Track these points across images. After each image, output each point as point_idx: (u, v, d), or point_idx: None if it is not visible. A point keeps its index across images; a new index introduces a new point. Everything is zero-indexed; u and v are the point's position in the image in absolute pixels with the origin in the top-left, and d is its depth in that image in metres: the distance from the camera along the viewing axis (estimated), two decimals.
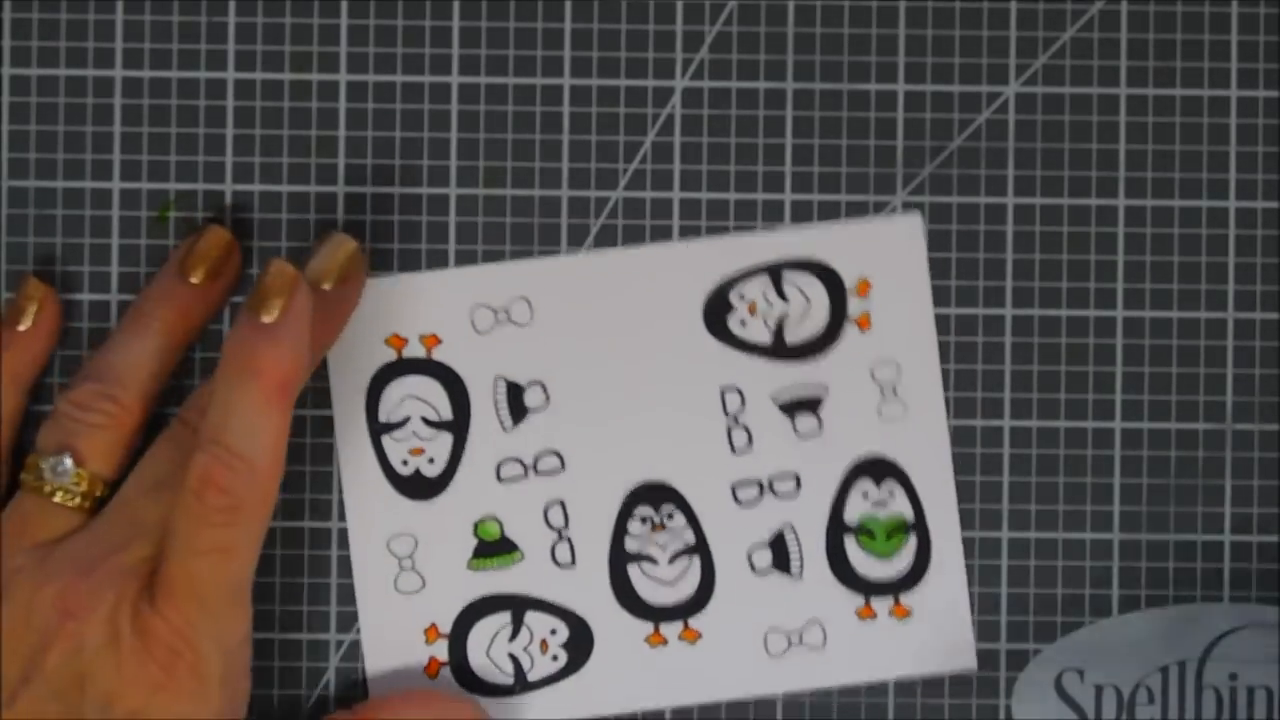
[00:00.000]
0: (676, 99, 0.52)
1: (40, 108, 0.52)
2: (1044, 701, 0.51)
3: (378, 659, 0.51)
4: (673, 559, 0.51)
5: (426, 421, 0.51)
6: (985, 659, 0.52)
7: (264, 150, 0.52)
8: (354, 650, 0.52)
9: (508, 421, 0.51)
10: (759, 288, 0.52)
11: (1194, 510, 0.52)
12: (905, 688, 0.52)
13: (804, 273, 0.52)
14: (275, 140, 0.52)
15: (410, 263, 0.52)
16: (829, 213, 0.52)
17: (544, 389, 0.51)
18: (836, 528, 0.52)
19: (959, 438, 0.52)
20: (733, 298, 0.52)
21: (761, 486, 0.52)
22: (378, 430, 0.51)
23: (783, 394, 0.52)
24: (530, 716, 0.51)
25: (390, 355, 0.51)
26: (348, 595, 0.52)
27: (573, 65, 0.52)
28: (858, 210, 0.52)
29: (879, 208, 0.52)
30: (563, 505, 0.51)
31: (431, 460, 0.51)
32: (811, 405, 0.51)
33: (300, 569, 0.52)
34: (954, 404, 0.52)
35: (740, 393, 0.51)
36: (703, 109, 0.52)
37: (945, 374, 0.52)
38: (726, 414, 0.51)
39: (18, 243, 0.52)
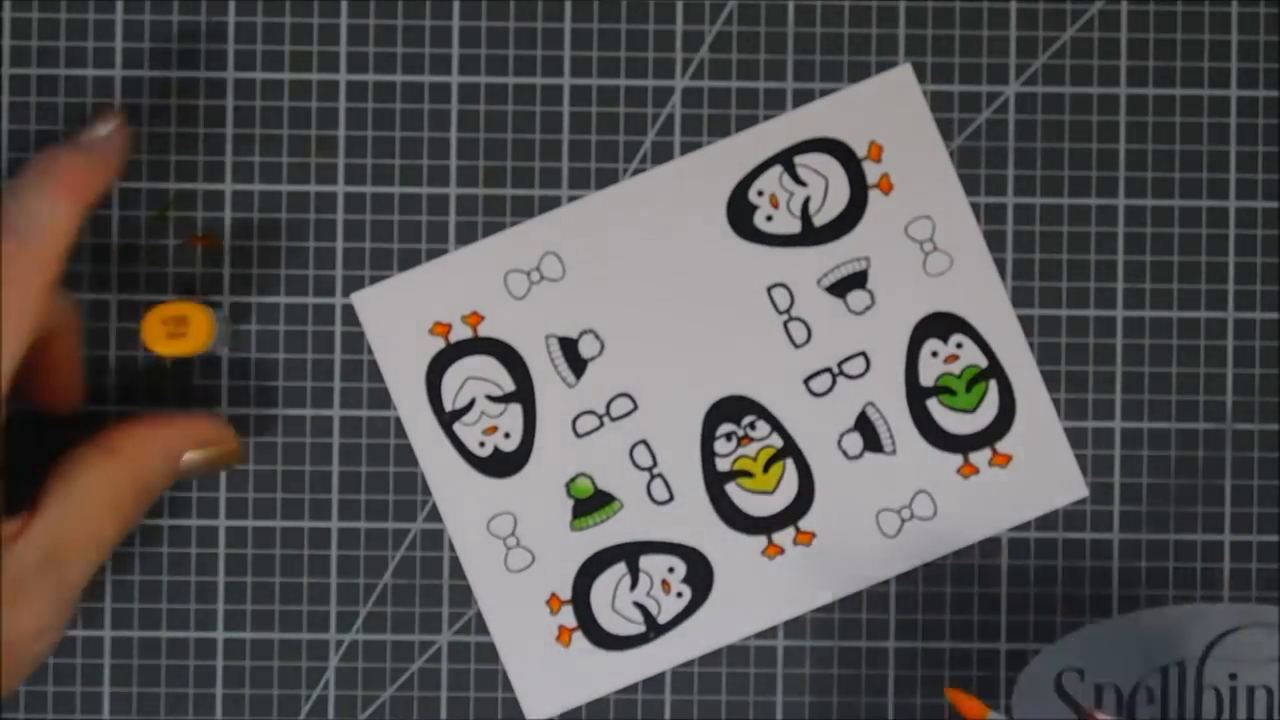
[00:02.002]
0: (676, 99, 0.52)
1: (40, 108, 0.52)
2: (1044, 701, 0.51)
3: (509, 643, 0.52)
4: (766, 467, 0.52)
5: (491, 399, 0.51)
6: (985, 659, 0.52)
7: (264, 150, 0.52)
8: (353, 650, 0.52)
9: (570, 377, 0.51)
10: (774, 179, 0.52)
11: (1194, 510, 0.52)
12: (905, 684, 0.52)
13: (814, 153, 0.52)
14: (275, 140, 0.52)
15: (410, 261, 0.52)
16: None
17: (596, 336, 0.51)
18: (916, 393, 0.52)
19: None
20: (752, 196, 0.51)
21: (833, 373, 0.52)
22: (446, 420, 0.51)
23: (827, 277, 0.52)
24: (670, 658, 0.52)
25: (438, 344, 0.52)
26: (348, 595, 0.52)
27: (573, 65, 0.52)
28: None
29: None
30: (646, 444, 0.51)
31: (507, 435, 0.51)
32: (858, 280, 0.51)
33: (300, 569, 0.52)
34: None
35: (786, 287, 0.51)
36: (703, 109, 0.52)
37: None
38: (779, 311, 0.51)
39: None
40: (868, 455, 0.51)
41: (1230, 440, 0.52)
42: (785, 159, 0.52)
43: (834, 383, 0.51)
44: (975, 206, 0.52)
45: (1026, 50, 0.52)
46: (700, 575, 0.52)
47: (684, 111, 0.52)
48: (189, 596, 0.52)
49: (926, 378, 0.51)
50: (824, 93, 0.52)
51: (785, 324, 0.51)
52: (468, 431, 0.52)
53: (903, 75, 0.51)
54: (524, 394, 0.52)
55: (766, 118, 0.52)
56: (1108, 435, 0.52)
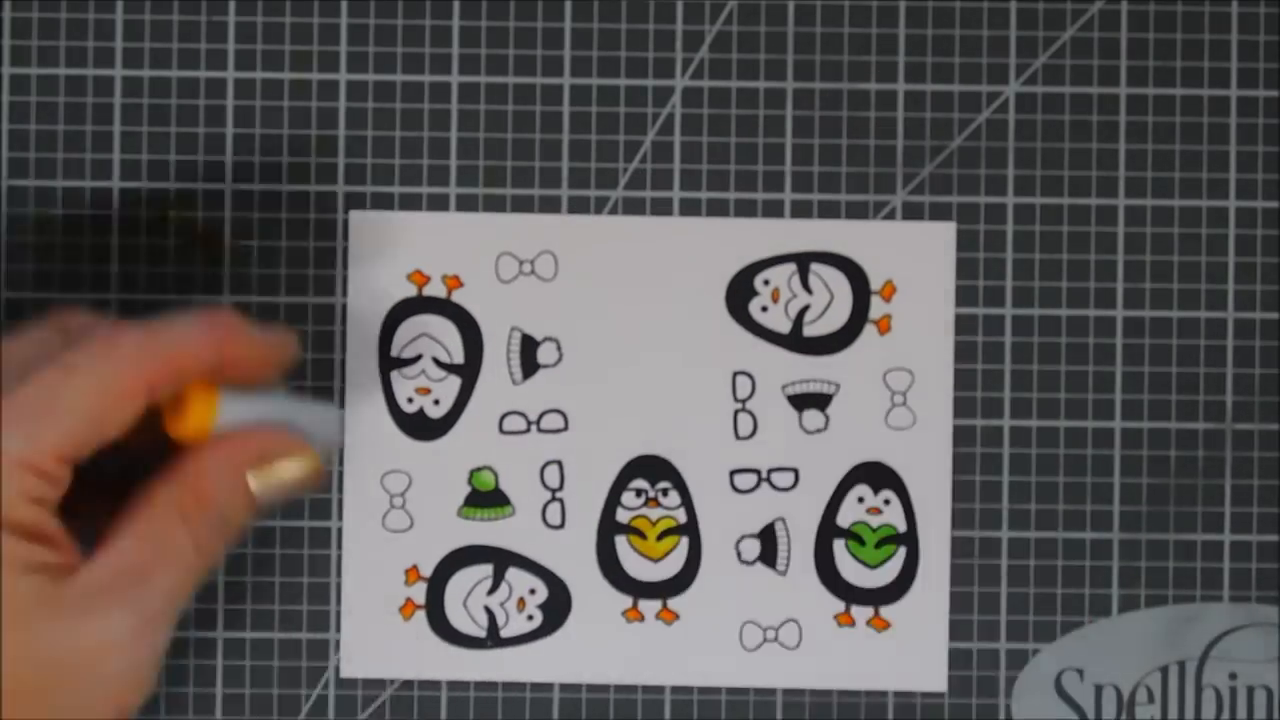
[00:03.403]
0: (676, 98, 0.52)
1: (40, 107, 0.52)
2: (1044, 701, 0.51)
3: (354, 595, 0.51)
4: (660, 536, 0.51)
5: (437, 362, 0.51)
6: (985, 659, 0.52)
7: (264, 150, 0.52)
8: None
9: (518, 374, 0.51)
10: (785, 275, 0.52)
11: (1194, 510, 0.52)
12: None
13: (832, 267, 0.52)
14: (275, 140, 0.52)
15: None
16: (829, 212, 0.52)
17: (558, 346, 0.51)
18: (828, 529, 0.52)
19: (959, 437, 0.52)
20: (757, 283, 0.51)
21: (760, 476, 0.52)
22: (388, 365, 0.51)
23: (792, 386, 0.52)
24: (498, 672, 0.51)
25: (410, 290, 0.51)
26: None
27: (573, 65, 0.52)
28: (858, 211, 0.52)
29: (879, 208, 0.52)
30: (560, 466, 0.51)
31: (437, 402, 0.51)
32: (820, 402, 0.51)
33: (300, 569, 0.52)
34: (954, 403, 0.52)
35: (752, 379, 0.51)
36: (703, 108, 0.52)
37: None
38: (735, 398, 0.51)
39: (18, 242, 0.52)
40: (759, 565, 0.51)
41: (1230, 440, 0.52)
42: (803, 260, 0.52)
43: (757, 486, 0.51)
44: (975, 206, 0.52)
45: (1026, 50, 0.52)
46: (557, 607, 0.51)
47: (684, 111, 0.52)
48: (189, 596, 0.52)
49: (844, 519, 0.51)
50: (823, 92, 0.52)
51: (736, 413, 0.51)
52: (402, 383, 0.51)
53: (944, 231, 0.51)
54: (468, 371, 0.51)
55: (767, 117, 0.52)
56: (1107, 435, 0.52)
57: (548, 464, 0.51)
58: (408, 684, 0.52)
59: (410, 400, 0.51)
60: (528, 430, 0.51)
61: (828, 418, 0.52)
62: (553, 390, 0.51)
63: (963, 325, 0.52)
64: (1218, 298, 0.52)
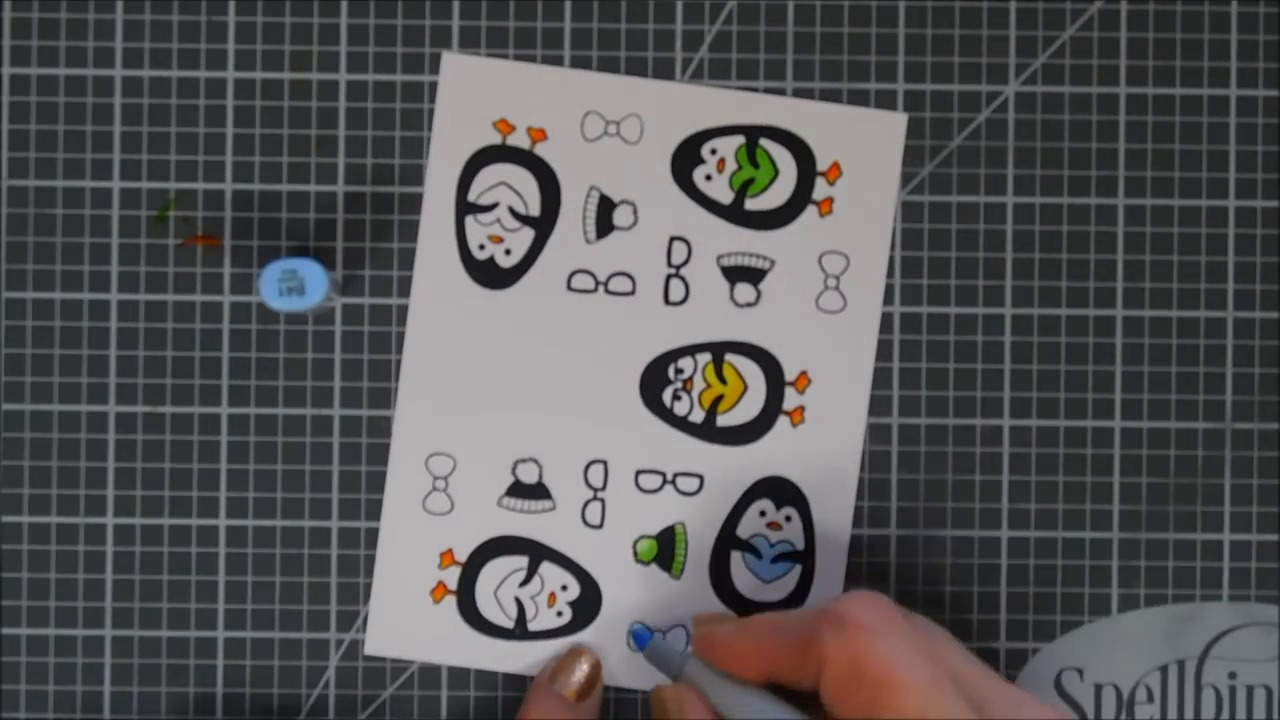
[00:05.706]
0: None
1: (40, 107, 0.52)
2: (1044, 700, 0.51)
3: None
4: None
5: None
6: (985, 658, 0.52)
7: (264, 150, 0.52)
8: (354, 650, 0.52)
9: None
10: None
11: (1193, 510, 0.52)
12: None
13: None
14: (275, 140, 0.52)
15: (409, 262, 0.52)
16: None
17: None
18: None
19: (959, 437, 0.52)
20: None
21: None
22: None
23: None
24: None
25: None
26: (348, 595, 0.52)
27: (572, 65, 0.52)
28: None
29: None
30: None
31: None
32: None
33: (300, 569, 0.52)
34: (954, 403, 0.52)
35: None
36: None
37: (945, 373, 0.52)
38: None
39: (17, 242, 0.52)
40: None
41: (1229, 439, 0.52)
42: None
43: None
44: (975, 206, 0.52)
45: (1026, 50, 0.52)
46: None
47: None
48: (189, 596, 0.52)
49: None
50: (823, 93, 0.52)
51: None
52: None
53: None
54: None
55: None
56: (1108, 435, 0.52)
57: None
58: (407, 686, 0.52)
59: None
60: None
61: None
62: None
63: (962, 324, 0.52)
64: (1217, 297, 0.52)
